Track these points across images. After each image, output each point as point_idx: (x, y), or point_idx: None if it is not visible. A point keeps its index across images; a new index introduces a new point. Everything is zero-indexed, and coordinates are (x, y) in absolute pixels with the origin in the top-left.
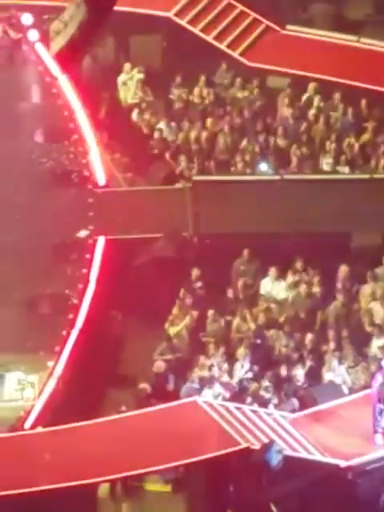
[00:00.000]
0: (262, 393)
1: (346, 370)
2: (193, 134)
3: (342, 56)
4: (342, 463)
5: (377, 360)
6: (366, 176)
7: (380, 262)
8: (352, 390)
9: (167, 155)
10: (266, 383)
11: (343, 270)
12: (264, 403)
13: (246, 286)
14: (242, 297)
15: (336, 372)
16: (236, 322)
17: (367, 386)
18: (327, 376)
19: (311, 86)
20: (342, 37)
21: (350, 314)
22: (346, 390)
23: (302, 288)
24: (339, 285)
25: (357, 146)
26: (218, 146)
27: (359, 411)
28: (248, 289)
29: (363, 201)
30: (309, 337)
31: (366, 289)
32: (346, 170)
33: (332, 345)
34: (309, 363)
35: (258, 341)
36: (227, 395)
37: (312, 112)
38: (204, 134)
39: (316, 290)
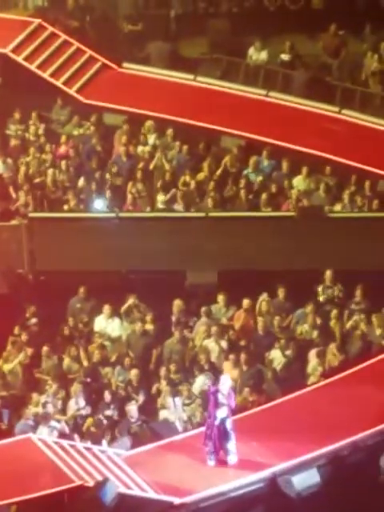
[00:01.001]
0: (96, 430)
1: (182, 407)
2: (30, 170)
3: (178, 94)
4: (176, 500)
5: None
6: (202, 214)
7: (214, 300)
8: (188, 427)
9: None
10: (99, 420)
11: (177, 304)
12: (98, 440)
13: (81, 323)
14: (77, 334)
15: (171, 409)
16: (66, 360)
17: (203, 423)
18: (162, 413)
19: (147, 123)
20: (178, 75)
21: (185, 350)
22: (180, 427)
23: (137, 325)
24: (174, 321)
25: (193, 184)
26: (48, 183)
27: (193, 448)
28: (83, 326)
29: (198, 239)
30: (142, 374)
31: (200, 326)
32: (181, 207)
33: (165, 382)
34: (142, 400)
35: (89, 379)
36: (62, 432)
37: (147, 149)
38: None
39: (150, 327)
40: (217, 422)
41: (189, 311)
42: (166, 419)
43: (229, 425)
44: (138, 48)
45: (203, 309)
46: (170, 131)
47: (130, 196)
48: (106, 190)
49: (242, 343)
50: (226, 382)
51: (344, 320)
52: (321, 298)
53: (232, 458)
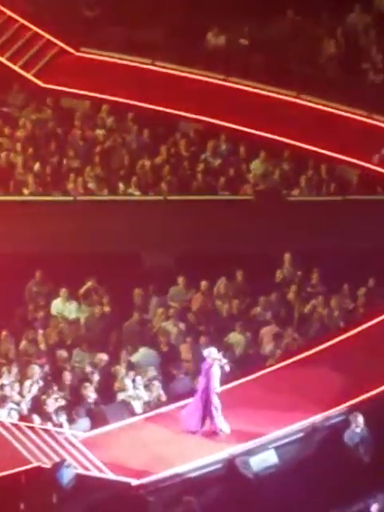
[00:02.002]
0: (53, 411)
1: (143, 387)
2: None
3: (136, 78)
4: (134, 481)
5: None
6: (160, 197)
7: (172, 282)
8: (146, 409)
9: None
10: (58, 402)
11: (137, 294)
12: (55, 422)
13: (38, 307)
14: (35, 318)
15: (129, 391)
16: (23, 343)
17: (161, 404)
18: (120, 395)
19: (105, 107)
20: (137, 59)
21: (144, 332)
22: (139, 408)
23: (95, 308)
24: (134, 303)
25: (151, 167)
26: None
27: (150, 429)
28: (40, 310)
29: (156, 222)
30: (101, 356)
31: (158, 307)
32: (138, 191)
33: (124, 365)
34: (100, 382)
35: (46, 362)
36: (20, 414)
37: (104, 133)
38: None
39: (107, 309)
40: (213, 393)
41: (147, 293)
42: (124, 401)
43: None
44: (96, 33)
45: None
46: (130, 115)
47: (89, 179)
48: (64, 173)
49: (201, 326)
50: (217, 353)
51: (301, 302)
52: (278, 280)
53: (224, 427)
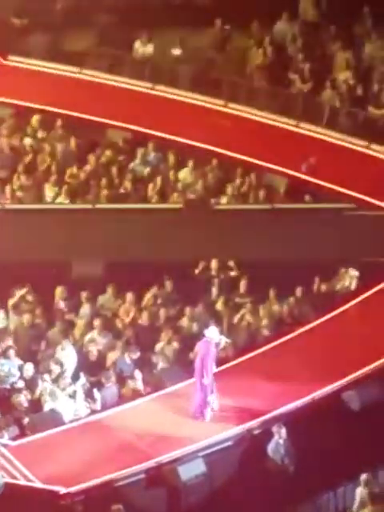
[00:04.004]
0: None
1: (67, 398)
2: None
3: (64, 86)
4: (62, 490)
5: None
6: (88, 206)
7: (101, 292)
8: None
9: None
10: None
11: (59, 293)
12: None
13: None
14: None
15: (58, 400)
16: None
17: (91, 412)
18: (48, 404)
19: (34, 116)
20: (64, 68)
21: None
22: (70, 417)
23: (25, 317)
24: (55, 308)
25: (80, 176)
26: None
27: (79, 438)
28: None
29: (85, 230)
30: (28, 365)
31: (83, 317)
32: (68, 199)
33: (53, 373)
34: (29, 391)
35: None
36: None
37: (31, 143)
38: None
39: (37, 318)
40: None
41: (74, 302)
42: (53, 410)
43: None
44: (24, 41)
45: (86, 302)
46: (58, 123)
47: (15, 188)
48: None
49: (129, 334)
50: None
51: (230, 312)
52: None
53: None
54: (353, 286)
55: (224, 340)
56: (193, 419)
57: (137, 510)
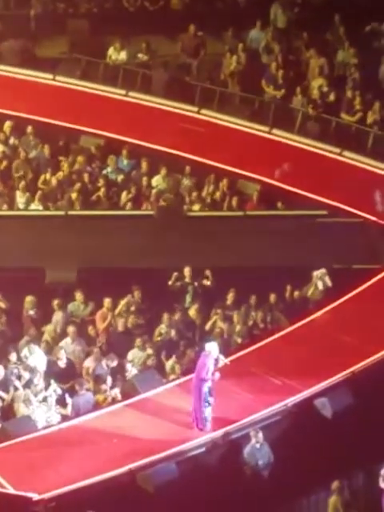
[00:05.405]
0: None
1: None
2: None
3: (37, 93)
4: (35, 496)
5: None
6: (61, 212)
7: (73, 298)
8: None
9: None
10: None
11: (29, 301)
12: None
13: None
14: None
15: (32, 405)
16: None
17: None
18: (21, 410)
19: (6, 122)
20: (37, 74)
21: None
22: (42, 423)
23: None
24: (25, 316)
25: (53, 182)
26: None
27: (53, 444)
28: None
29: (58, 237)
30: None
31: (53, 324)
32: (41, 206)
33: (23, 379)
34: (4, 398)
35: None
36: None
37: (2, 150)
38: None
39: (3, 326)
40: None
41: (47, 309)
42: (26, 416)
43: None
44: None
45: (58, 309)
46: (29, 129)
47: None
48: None
49: (102, 341)
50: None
51: (203, 318)
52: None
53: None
54: (321, 287)
55: (222, 359)
56: (186, 428)
57: None
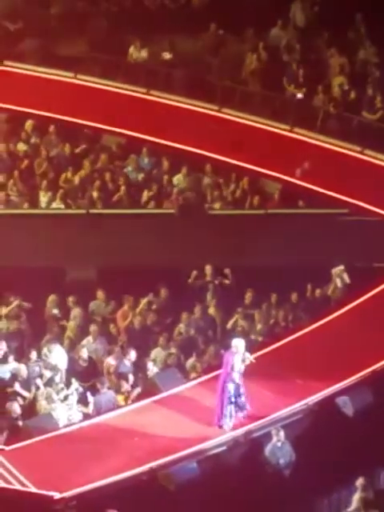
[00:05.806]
0: None
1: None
2: None
3: (59, 92)
4: (56, 495)
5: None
6: (82, 211)
7: (93, 296)
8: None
9: None
10: None
11: (51, 300)
12: None
13: None
14: None
15: (54, 403)
16: None
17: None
18: (44, 409)
19: (28, 121)
20: (59, 73)
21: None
22: (64, 422)
23: (21, 320)
24: (47, 316)
25: (74, 181)
26: None
27: (74, 442)
28: None
29: (79, 235)
30: (23, 369)
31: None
32: (62, 204)
33: (45, 378)
34: (26, 396)
35: None
36: None
37: (27, 148)
38: None
39: (22, 324)
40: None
41: (69, 308)
42: (47, 414)
43: None
44: (19, 46)
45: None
46: (52, 128)
47: (11, 194)
48: None
49: (123, 339)
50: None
51: (224, 317)
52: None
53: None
54: (340, 284)
55: (248, 357)
56: (207, 426)
57: None
